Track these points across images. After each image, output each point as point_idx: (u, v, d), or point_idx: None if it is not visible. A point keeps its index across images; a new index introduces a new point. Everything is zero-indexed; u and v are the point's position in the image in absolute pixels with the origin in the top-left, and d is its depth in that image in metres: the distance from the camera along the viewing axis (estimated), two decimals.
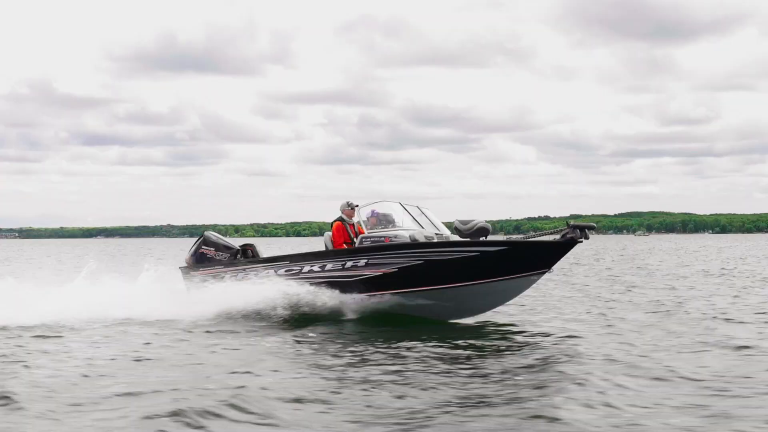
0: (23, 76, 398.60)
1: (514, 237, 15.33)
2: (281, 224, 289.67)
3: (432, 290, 14.49)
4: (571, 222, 14.18)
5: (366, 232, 14.91)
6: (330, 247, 15.33)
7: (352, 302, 14.52)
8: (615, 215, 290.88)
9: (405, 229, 14.84)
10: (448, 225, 15.39)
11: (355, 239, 15.13)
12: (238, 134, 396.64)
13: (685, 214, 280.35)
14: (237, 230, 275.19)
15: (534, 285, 14.94)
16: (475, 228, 14.48)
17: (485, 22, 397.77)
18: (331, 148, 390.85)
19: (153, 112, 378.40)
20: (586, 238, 14.01)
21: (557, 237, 14.27)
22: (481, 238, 14.39)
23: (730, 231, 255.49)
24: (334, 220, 15.43)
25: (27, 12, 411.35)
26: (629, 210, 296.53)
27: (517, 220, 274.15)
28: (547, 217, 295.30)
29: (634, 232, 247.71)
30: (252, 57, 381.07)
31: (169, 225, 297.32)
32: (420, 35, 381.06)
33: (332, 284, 14.62)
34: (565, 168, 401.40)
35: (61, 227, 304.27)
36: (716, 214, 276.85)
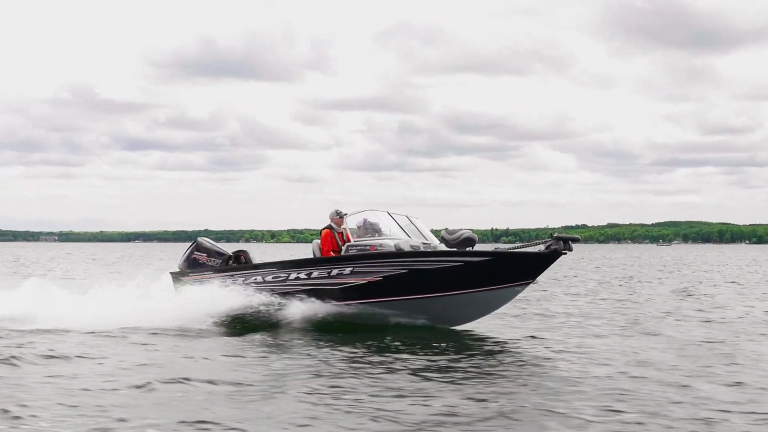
0: (65, 81, 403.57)
1: (502, 247, 15.34)
2: (317, 230, 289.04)
3: (416, 299, 14.59)
4: (555, 234, 14.20)
5: (352, 241, 15.05)
6: (318, 254, 15.50)
7: (336, 309, 14.65)
8: (652, 224, 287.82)
9: (391, 238, 14.94)
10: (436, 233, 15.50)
11: (343, 247, 15.26)
12: (277, 140, 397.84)
13: (723, 224, 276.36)
14: (273, 236, 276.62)
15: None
16: (461, 238, 14.58)
17: (523, 29, 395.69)
18: (371, 154, 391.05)
19: (193, 118, 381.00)
20: (570, 249, 14.01)
21: (542, 248, 14.29)
22: (467, 249, 14.50)
23: (767, 242, 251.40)
24: (323, 228, 15.60)
25: (68, 18, 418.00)
26: (667, 219, 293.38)
27: (553, 229, 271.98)
28: (584, 226, 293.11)
29: (669, 241, 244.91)
30: (291, 63, 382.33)
31: (206, 230, 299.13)
32: (458, 42, 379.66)
33: (318, 292, 14.77)
34: (606, 176, 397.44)
35: (101, 231, 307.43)
36: (755, 224, 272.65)
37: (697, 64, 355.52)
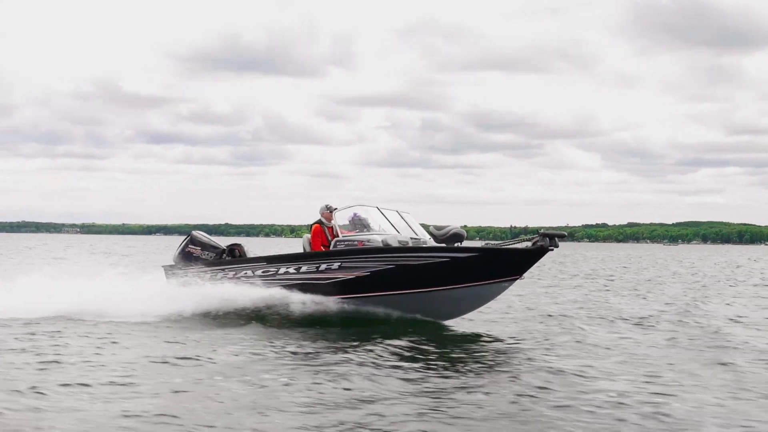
0: (89, 74, 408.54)
1: (491, 243, 15.43)
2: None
3: (403, 294, 14.69)
4: (542, 230, 14.26)
5: (340, 236, 15.17)
6: (308, 249, 15.63)
7: (325, 304, 14.78)
8: (672, 224, 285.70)
9: (379, 233, 15.07)
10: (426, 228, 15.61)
11: (332, 242, 15.38)
12: (300, 135, 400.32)
13: (744, 224, 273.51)
14: (292, 230, 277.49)
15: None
16: (449, 234, 14.70)
17: (548, 27, 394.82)
18: (393, 151, 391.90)
19: (216, 112, 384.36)
20: (556, 246, 14.05)
21: (528, 245, 14.36)
22: (455, 244, 14.61)
23: None
24: (313, 223, 15.73)
25: (93, 12, 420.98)
26: (689, 219, 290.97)
27: (573, 227, 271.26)
28: (604, 225, 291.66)
29: (688, 241, 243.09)
30: (313, 59, 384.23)
31: (226, 224, 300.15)
32: (482, 40, 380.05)
33: (306, 286, 14.90)
34: (630, 176, 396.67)
35: (123, 224, 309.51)
36: None
37: (722, 64, 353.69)
